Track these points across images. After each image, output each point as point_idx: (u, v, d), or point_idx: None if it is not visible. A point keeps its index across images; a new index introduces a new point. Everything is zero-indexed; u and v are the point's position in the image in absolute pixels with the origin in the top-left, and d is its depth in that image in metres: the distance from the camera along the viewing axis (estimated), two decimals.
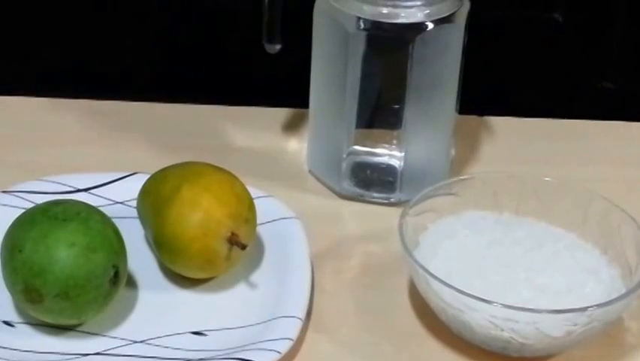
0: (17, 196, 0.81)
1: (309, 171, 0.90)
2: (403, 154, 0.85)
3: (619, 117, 0.98)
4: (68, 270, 0.69)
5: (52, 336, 0.72)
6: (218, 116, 0.96)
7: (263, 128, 0.95)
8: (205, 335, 0.73)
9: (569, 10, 1.00)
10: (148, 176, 0.79)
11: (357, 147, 0.86)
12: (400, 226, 0.74)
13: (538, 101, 1.02)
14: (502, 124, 0.97)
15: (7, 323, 0.73)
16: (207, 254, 0.74)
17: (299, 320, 0.72)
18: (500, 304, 0.67)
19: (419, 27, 0.80)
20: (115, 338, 0.72)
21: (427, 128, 0.85)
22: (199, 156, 0.80)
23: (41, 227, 0.70)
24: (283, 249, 0.78)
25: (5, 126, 0.94)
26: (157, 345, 0.71)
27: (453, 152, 0.89)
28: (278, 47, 0.88)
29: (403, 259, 0.73)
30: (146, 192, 0.78)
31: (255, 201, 0.76)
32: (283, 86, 0.96)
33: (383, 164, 0.87)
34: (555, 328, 0.68)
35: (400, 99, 0.83)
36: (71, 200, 0.74)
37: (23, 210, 0.73)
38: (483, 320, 0.69)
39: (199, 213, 0.73)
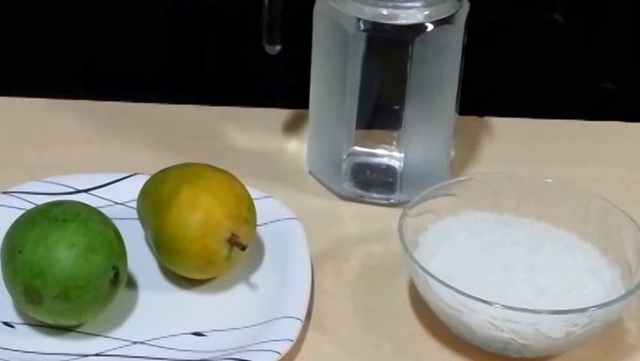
0: (17, 197, 0.81)
1: (309, 172, 0.90)
2: (402, 155, 0.85)
3: (618, 118, 0.98)
4: (68, 271, 0.69)
5: (53, 337, 0.72)
6: (218, 117, 0.96)
7: (263, 129, 0.95)
8: (205, 335, 0.73)
9: (569, 10, 1.00)
10: (148, 177, 0.79)
11: (357, 148, 0.86)
12: (400, 227, 0.74)
13: (538, 101, 1.02)
14: (502, 124, 0.97)
15: (7, 323, 0.73)
16: (207, 255, 0.74)
17: (299, 321, 0.72)
18: (500, 304, 0.67)
19: (419, 28, 0.80)
20: (115, 338, 0.72)
21: (427, 129, 0.85)
22: (199, 157, 0.80)
23: (41, 228, 0.70)
24: (283, 250, 0.78)
25: (5, 127, 0.94)
26: (157, 346, 0.71)
27: (453, 153, 0.89)
28: (278, 47, 0.88)
29: (402, 259, 0.73)
30: (146, 193, 0.78)
31: (255, 202, 0.76)
32: (283, 87, 0.96)
33: (383, 165, 0.87)
34: (555, 328, 0.68)
35: (400, 100, 0.83)
36: (71, 201, 0.74)
37: (23, 211, 0.73)
38: (483, 320, 0.69)
39: (199, 214, 0.73)
